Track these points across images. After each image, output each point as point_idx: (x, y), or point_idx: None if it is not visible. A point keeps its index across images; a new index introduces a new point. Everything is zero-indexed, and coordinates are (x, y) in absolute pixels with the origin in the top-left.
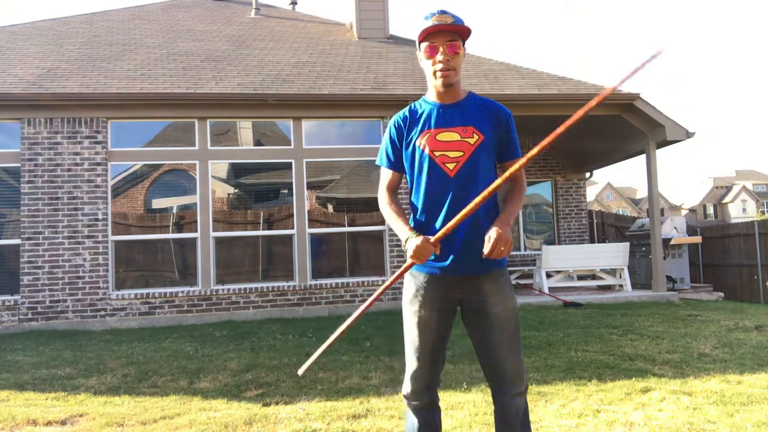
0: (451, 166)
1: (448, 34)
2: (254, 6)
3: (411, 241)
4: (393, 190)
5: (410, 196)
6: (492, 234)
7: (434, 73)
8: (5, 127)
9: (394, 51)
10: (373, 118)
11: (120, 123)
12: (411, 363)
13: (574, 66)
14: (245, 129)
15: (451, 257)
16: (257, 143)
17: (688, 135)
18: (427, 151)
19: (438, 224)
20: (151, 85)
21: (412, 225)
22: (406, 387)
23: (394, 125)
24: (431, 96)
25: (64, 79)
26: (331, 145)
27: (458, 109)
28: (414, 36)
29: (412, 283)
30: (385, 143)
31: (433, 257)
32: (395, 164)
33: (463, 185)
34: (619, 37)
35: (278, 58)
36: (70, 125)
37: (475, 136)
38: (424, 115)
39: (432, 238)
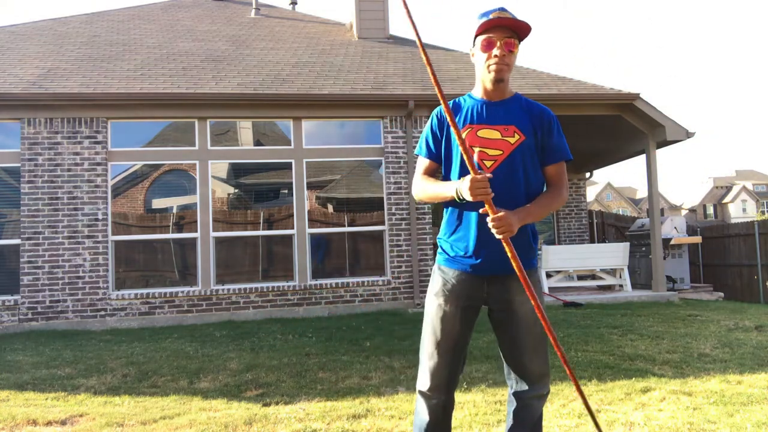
0: (488, 163)
1: (507, 30)
2: (254, 6)
3: (462, 184)
4: (429, 175)
5: (445, 207)
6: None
7: (488, 66)
8: (5, 127)
9: (394, 51)
10: (373, 118)
11: (120, 123)
12: (431, 358)
13: (573, 65)
14: (245, 129)
15: (483, 256)
16: (257, 143)
17: (688, 135)
18: (467, 146)
19: (473, 220)
20: (151, 85)
21: (446, 219)
22: (424, 383)
23: (437, 115)
24: (478, 92)
25: (64, 79)
26: (331, 145)
27: (502, 108)
28: (415, 36)
29: (440, 278)
30: (426, 133)
31: (463, 252)
32: (435, 155)
33: (498, 185)
34: (618, 36)
35: (278, 58)
36: (70, 125)
37: (516, 136)
38: (466, 110)
39: (474, 175)
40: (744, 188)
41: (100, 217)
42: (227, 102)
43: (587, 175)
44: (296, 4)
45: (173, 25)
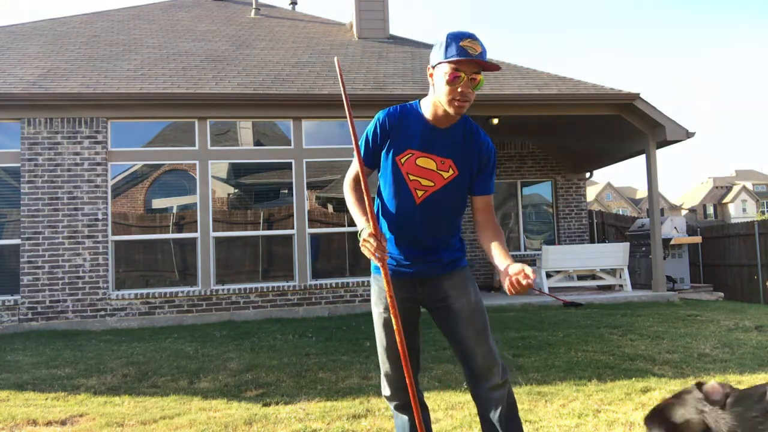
0: (419, 193)
1: (476, 65)
2: (254, 6)
3: (363, 230)
4: (358, 180)
5: (381, 204)
6: (521, 268)
7: (450, 101)
8: (5, 127)
9: (394, 51)
10: (373, 118)
11: (120, 123)
12: (383, 364)
13: (573, 65)
14: (245, 129)
15: (415, 268)
16: (257, 143)
17: (688, 135)
18: (403, 171)
19: (402, 242)
20: (151, 85)
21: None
22: (384, 388)
23: (379, 123)
24: (427, 110)
25: (64, 79)
26: (331, 145)
27: (443, 137)
28: (415, 36)
29: (375, 285)
30: (364, 136)
31: (395, 263)
32: (369, 162)
33: (426, 214)
34: (618, 36)
35: (278, 58)
36: (70, 125)
37: (450, 171)
38: (411, 131)
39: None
40: (744, 188)
41: (100, 217)
42: (227, 102)
43: (587, 175)
44: (296, 4)
45: (173, 25)
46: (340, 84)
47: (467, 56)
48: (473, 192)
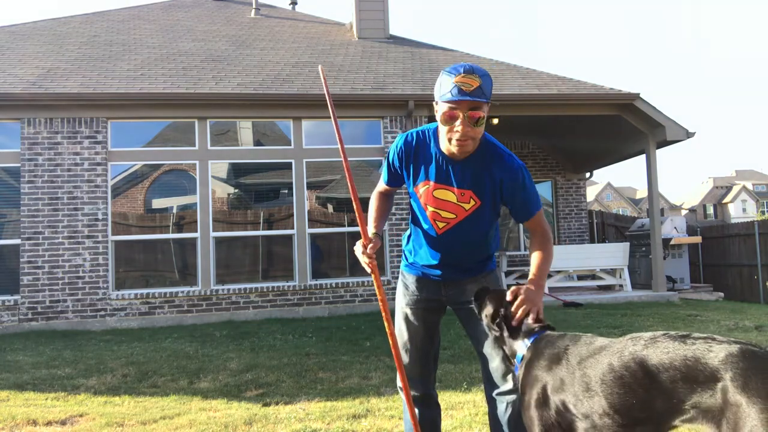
0: (440, 225)
1: (473, 102)
2: (254, 6)
3: (358, 243)
4: (385, 193)
5: (412, 223)
6: (521, 292)
7: (449, 140)
8: (5, 127)
9: (394, 51)
10: (373, 118)
11: (120, 123)
12: (401, 357)
13: (572, 65)
14: (245, 129)
15: (441, 272)
16: (257, 143)
17: (688, 135)
18: (422, 202)
19: (430, 256)
20: (151, 85)
21: (409, 230)
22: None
23: (396, 149)
24: (442, 143)
25: (64, 79)
26: (331, 145)
27: (459, 169)
28: (415, 36)
29: (401, 282)
30: (386, 163)
31: (420, 264)
32: (390, 182)
33: (448, 244)
34: (618, 36)
35: (278, 58)
36: (70, 125)
37: (472, 202)
38: (427, 162)
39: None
40: (744, 188)
41: (100, 217)
42: (227, 102)
43: (587, 175)
44: (296, 4)
45: (173, 25)
46: (325, 92)
47: (460, 95)
48: (517, 219)
